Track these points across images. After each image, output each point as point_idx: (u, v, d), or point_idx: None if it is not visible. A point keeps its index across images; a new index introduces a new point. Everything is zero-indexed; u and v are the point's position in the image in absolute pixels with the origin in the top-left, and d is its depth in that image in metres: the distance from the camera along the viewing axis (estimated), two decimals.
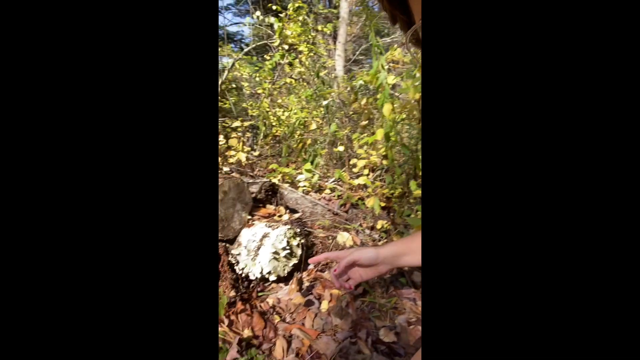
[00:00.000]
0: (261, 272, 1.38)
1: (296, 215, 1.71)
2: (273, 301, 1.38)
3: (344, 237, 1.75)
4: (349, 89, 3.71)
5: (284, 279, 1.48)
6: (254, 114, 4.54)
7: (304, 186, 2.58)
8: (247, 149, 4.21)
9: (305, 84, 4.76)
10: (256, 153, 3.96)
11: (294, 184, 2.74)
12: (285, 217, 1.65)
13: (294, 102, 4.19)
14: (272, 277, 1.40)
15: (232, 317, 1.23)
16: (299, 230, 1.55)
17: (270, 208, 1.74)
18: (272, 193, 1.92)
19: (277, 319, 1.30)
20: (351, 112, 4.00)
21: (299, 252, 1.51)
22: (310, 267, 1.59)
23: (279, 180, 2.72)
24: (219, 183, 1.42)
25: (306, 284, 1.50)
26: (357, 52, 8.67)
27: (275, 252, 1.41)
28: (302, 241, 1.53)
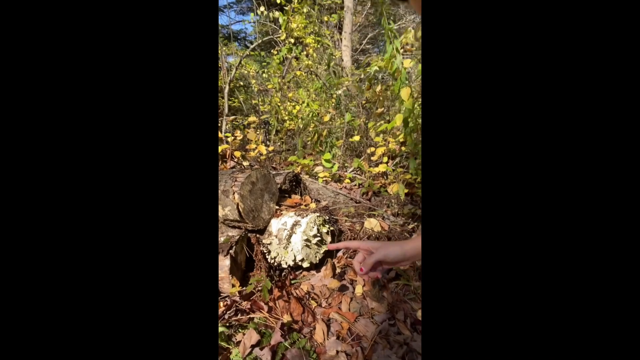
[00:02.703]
0: (294, 260, 1.39)
1: (323, 204, 1.71)
2: (307, 287, 1.40)
3: (371, 223, 1.74)
4: (362, 76, 3.67)
5: (315, 266, 1.49)
6: (265, 110, 4.54)
7: (324, 177, 2.58)
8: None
9: (314, 76, 4.74)
10: (270, 148, 3.98)
11: (313, 176, 2.75)
12: (312, 205, 1.66)
13: (304, 95, 4.18)
14: (305, 264, 1.41)
15: (271, 304, 1.25)
16: (327, 217, 1.56)
17: (296, 198, 1.75)
18: (295, 183, 1.93)
19: (313, 304, 1.31)
20: (364, 102, 3.96)
21: (329, 239, 1.52)
22: (340, 253, 1.59)
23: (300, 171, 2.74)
24: (248, 174, 1.44)
25: (338, 270, 1.50)
26: (364, 42, 8.54)
27: (307, 240, 1.42)
28: (332, 228, 1.54)
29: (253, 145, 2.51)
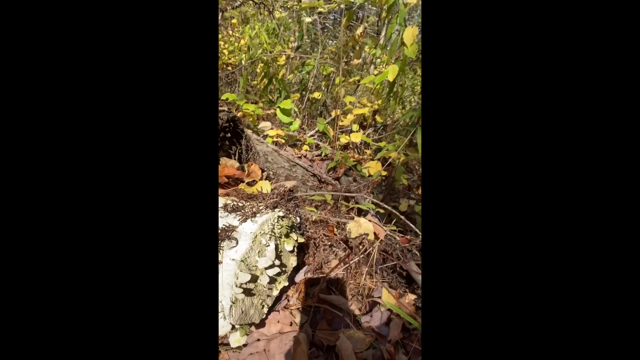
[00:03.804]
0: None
1: (288, 184, 0.87)
2: None
3: (361, 228, 1.00)
4: (341, 6, 2.73)
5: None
6: None
7: (276, 137, 1.72)
8: None
9: (265, 13, 3.60)
10: None
11: (258, 133, 1.86)
12: (265, 186, 0.82)
13: (250, 32, 3.04)
14: (237, 339, 0.59)
15: None
16: (294, 215, 0.75)
17: (232, 163, 0.88)
18: (232, 135, 1.04)
19: None
20: (333, 47, 3.08)
21: (291, 263, 0.72)
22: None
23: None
24: None
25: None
26: None
27: (251, 272, 0.60)
28: (300, 240, 0.75)
29: None
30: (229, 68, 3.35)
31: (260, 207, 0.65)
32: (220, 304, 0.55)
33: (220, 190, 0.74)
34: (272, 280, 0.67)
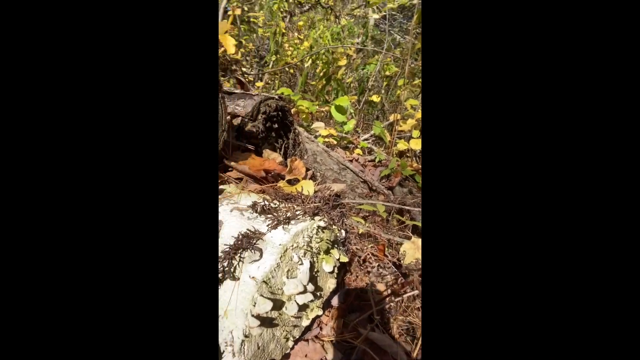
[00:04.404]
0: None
1: (335, 187, 0.71)
2: None
3: (417, 252, 0.81)
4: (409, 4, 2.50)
5: None
6: (263, 34, 3.39)
7: (328, 137, 1.59)
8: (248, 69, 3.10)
9: (332, 18, 3.53)
10: (260, 83, 2.91)
11: (311, 132, 1.75)
12: (307, 186, 0.67)
13: (315, 35, 2.98)
14: None
15: None
16: (336, 226, 0.59)
17: (273, 155, 0.76)
18: (279, 126, 0.92)
19: None
20: (399, 50, 2.87)
21: (329, 285, 0.57)
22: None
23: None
24: None
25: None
26: None
27: (274, 299, 0.46)
28: (343, 259, 0.58)
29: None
30: (291, 70, 3.37)
31: (298, 212, 0.51)
32: (230, 335, 0.41)
33: (255, 186, 0.62)
34: (303, 307, 0.52)
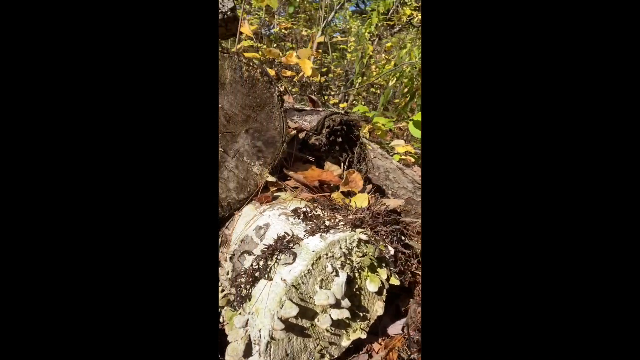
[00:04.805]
0: None
1: (393, 203, 0.67)
2: None
3: None
4: None
5: None
6: (351, 53, 3.53)
7: (405, 154, 1.52)
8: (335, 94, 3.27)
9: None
10: (344, 105, 3.03)
11: (387, 149, 1.70)
12: (361, 200, 0.65)
13: (402, 55, 2.94)
14: None
15: None
16: (388, 244, 0.55)
17: (332, 167, 0.76)
18: (344, 141, 0.93)
19: None
20: None
21: (375, 310, 0.52)
22: None
23: (365, 134, 1.69)
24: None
25: None
26: None
27: (303, 312, 0.45)
28: (395, 280, 0.53)
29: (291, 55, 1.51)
30: (377, 90, 3.40)
31: (339, 222, 0.49)
32: (258, 334, 0.42)
33: (307, 194, 0.64)
34: (341, 324, 0.49)
